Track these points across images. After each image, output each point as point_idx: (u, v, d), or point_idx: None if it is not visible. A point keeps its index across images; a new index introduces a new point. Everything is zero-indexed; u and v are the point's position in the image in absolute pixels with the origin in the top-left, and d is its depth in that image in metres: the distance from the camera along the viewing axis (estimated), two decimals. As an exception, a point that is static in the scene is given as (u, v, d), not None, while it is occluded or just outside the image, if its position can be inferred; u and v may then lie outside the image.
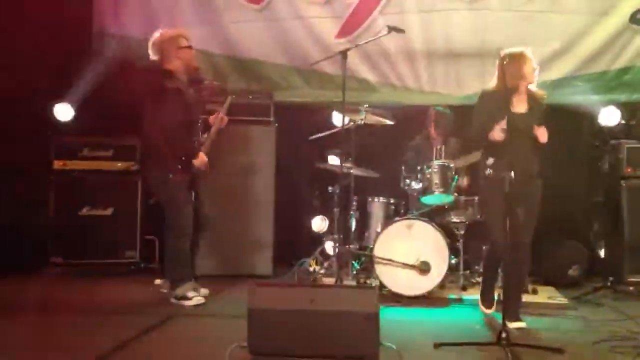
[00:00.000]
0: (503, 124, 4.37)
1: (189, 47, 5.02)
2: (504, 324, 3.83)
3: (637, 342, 3.97)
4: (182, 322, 4.55)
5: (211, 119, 5.29)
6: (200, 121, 5.20)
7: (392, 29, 5.41)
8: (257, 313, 3.55)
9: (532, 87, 4.58)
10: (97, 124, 6.38)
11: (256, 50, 6.87)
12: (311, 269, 5.63)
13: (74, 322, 4.44)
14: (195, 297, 4.99)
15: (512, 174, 4.09)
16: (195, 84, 5.71)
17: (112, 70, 6.47)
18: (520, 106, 4.54)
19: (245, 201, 6.06)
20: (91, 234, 6.11)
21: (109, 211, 6.20)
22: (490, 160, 4.52)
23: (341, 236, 5.46)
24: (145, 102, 4.91)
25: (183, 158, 4.91)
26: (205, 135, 5.20)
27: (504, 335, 3.75)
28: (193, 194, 5.09)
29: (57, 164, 6.24)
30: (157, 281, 5.41)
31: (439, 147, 5.50)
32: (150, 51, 5.00)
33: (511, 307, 4.28)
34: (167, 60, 4.94)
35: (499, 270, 4.83)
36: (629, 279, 5.47)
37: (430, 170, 5.40)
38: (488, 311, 4.77)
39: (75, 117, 6.43)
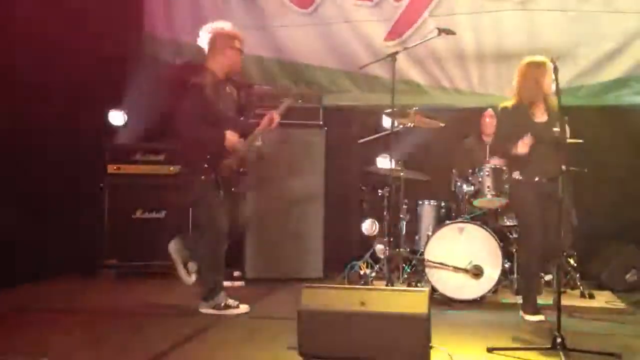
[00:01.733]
0: (527, 138, 4.48)
1: (240, 50, 4.83)
2: (559, 329, 3.74)
3: None
4: (233, 324, 4.56)
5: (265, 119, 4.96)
6: (237, 120, 4.88)
7: (442, 30, 5.37)
8: (308, 315, 3.54)
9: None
10: (149, 128, 6.50)
11: (305, 54, 6.91)
12: (362, 272, 5.61)
13: (127, 323, 4.50)
14: (241, 305, 4.82)
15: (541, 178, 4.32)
16: (244, 89, 5.76)
17: (163, 75, 6.59)
18: (540, 115, 4.62)
19: (295, 204, 6.08)
20: (145, 236, 6.19)
21: (161, 214, 6.29)
22: (516, 174, 4.67)
23: (392, 239, 5.43)
24: (173, 101, 4.77)
25: (208, 157, 4.64)
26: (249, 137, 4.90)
27: (559, 340, 3.67)
28: (223, 193, 4.75)
29: (111, 168, 6.35)
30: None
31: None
32: (200, 39, 4.80)
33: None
34: (212, 55, 4.74)
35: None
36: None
37: (482, 173, 5.33)
38: (534, 318, 4.60)
39: (128, 122, 6.55)
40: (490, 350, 3.83)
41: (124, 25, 6.75)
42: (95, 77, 6.18)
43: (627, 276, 5.55)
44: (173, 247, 4.88)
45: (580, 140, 4.90)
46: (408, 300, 3.51)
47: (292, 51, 6.96)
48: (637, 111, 6.09)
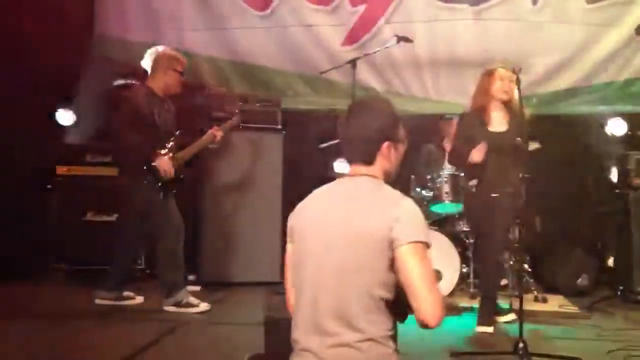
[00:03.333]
0: (481, 146, 4.49)
1: (181, 73, 5.07)
2: (521, 334, 3.83)
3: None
4: (194, 330, 4.51)
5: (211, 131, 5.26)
6: (173, 132, 5.08)
7: (400, 38, 5.47)
8: (275, 322, 3.50)
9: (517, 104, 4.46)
10: (100, 129, 6.36)
11: (261, 57, 6.83)
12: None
13: (82, 329, 4.41)
14: (201, 303, 4.93)
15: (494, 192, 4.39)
16: (199, 92, 5.77)
17: (114, 75, 6.46)
18: (498, 125, 4.63)
19: (253, 208, 6.02)
20: (95, 239, 6.02)
21: (113, 217, 6.14)
22: (473, 182, 4.67)
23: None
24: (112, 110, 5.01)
25: (144, 166, 4.83)
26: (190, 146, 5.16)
27: (521, 345, 3.75)
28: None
29: (60, 170, 6.15)
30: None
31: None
32: (144, 59, 5.09)
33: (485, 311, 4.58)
34: (154, 74, 5.01)
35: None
36: (638, 288, 5.46)
37: (440, 179, 5.41)
38: (488, 329, 4.56)
39: (78, 122, 6.39)
40: (453, 355, 3.89)
41: (74, 24, 6.56)
42: (44, 75, 6.00)
43: (578, 281, 5.71)
44: (98, 298, 5.09)
45: (539, 146, 4.99)
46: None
47: (247, 53, 6.88)
48: (586, 120, 6.29)
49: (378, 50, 5.79)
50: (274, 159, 6.11)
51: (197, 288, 5.69)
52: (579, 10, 6.35)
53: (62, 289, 5.84)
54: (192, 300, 4.92)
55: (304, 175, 6.26)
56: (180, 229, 4.97)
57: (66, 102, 6.38)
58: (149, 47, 5.24)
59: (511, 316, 4.68)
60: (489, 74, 4.65)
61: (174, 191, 5.03)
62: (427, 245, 2.19)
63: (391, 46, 5.66)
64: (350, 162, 2.40)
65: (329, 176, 5.75)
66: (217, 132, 5.24)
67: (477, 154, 4.51)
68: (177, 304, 4.87)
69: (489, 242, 4.64)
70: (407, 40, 5.53)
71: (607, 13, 6.31)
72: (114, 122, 4.88)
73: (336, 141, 5.72)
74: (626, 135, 5.95)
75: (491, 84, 4.61)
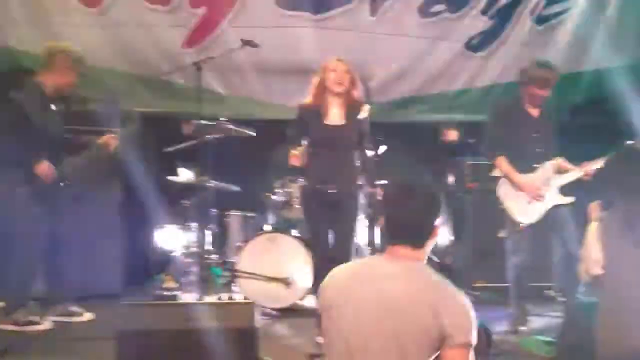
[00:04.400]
0: (299, 149, 4.57)
1: (78, 74, 4.83)
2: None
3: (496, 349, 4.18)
4: (33, 349, 4.18)
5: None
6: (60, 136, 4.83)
7: (246, 42, 5.41)
8: (128, 336, 3.28)
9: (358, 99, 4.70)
10: None
11: (94, 56, 6.31)
12: (165, 285, 5.37)
13: None
14: (44, 321, 4.62)
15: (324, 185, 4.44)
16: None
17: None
18: (335, 118, 4.63)
19: (89, 215, 5.63)
20: None
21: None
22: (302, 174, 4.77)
23: (198, 251, 5.28)
24: None
25: (22, 173, 4.51)
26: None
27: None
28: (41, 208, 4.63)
29: None
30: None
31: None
32: (44, 49, 4.79)
33: None
34: (49, 70, 4.67)
35: None
36: (475, 284, 5.81)
37: (290, 183, 5.41)
38: None
39: None
40: (312, 357, 3.90)
41: None
42: None
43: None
44: None
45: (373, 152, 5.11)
46: (234, 313, 3.45)
47: (77, 51, 6.45)
48: (423, 128, 6.63)
49: (223, 54, 5.70)
50: (112, 163, 5.74)
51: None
52: (413, 23, 6.70)
53: None
54: (33, 317, 4.58)
55: (145, 180, 5.96)
56: (34, 247, 4.65)
57: None
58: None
59: None
60: (322, 68, 4.68)
61: (52, 204, 4.67)
62: (472, 347, 2.14)
63: (236, 50, 5.59)
64: (395, 241, 2.30)
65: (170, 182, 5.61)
66: (111, 140, 4.96)
67: (293, 160, 4.57)
68: (16, 323, 4.50)
69: (315, 241, 4.70)
70: (253, 45, 5.47)
71: (438, 27, 6.71)
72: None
73: (182, 145, 5.62)
74: (460, 142, 6.31)
75: (326, 77, 4.63)
